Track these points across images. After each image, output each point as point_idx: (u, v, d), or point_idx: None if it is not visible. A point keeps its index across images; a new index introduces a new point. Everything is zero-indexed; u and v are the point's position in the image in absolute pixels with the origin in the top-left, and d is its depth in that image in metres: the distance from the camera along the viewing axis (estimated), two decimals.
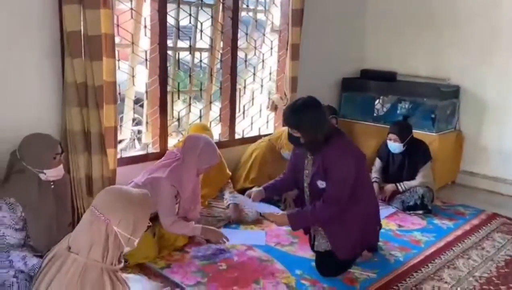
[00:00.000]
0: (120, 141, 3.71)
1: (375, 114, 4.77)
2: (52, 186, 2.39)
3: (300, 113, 2.42)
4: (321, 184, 2.48)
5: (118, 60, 3.07)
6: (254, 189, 2.82)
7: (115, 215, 1.43)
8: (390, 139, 3.72)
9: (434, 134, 4.22)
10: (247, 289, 2.45)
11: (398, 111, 4.64)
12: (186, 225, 2.76)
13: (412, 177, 3.76)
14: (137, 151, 3.48)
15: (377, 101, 4.81)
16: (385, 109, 4.80)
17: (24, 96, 2.65)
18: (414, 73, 4.74)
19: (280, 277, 2.59)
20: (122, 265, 1.54)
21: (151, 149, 3.44)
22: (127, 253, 2.56)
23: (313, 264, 2.70)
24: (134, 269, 2.62)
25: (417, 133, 4.09)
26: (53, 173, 2.33)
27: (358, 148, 2.64)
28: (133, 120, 3.83)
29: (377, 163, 3.98)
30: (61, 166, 2.38)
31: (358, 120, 4.78)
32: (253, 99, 4.22)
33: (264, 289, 2.46)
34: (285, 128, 3.98)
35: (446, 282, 2.61)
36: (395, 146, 3.70)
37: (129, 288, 1.59)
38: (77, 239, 1.45)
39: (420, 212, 3.65)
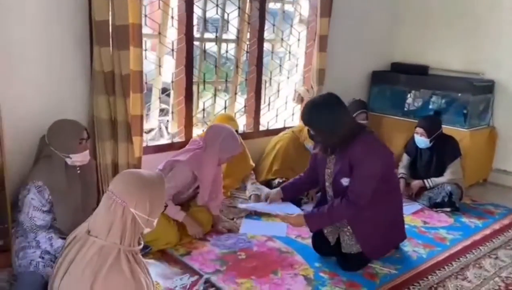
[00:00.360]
0: (150, 131, 3.79)
1: (405, 109, 4.67)
2: (78, 171, 2.47)
3: (315, 111, 2.33)
4: (345, 181, 2.40)
5: (145, 50, 3.12)
6: (273, 190, 2.80)
7: (131, 197, 1.47)
8: (417, 133, 3.63)
9: (465, 130, 4.09)
10: (265, 279, 2.46)
11: (429, 106, 4.53)
12: (172, 207, 2.78)
13: (440, 173, 3.67)
14: (163, 141, 3.53)
15: (407, 96, 4.70)
16: (415, 104, 4.68)
17: (55, 83, 2.73)
18: (446, 67, 4.60)
19: (299, 268, 2.59)
20: (141, 246, 1.57)
21: (176, 139, 3.49)
22: (147, 234, 2.67)
23: (334, 258, 2.67)
24: (156, 255, 2.68)
25: (448, 129, 3.99)
26: (79, 158, 2.40)
27: (385, 146, 2.55)
28: (162, 110, 3.90)
29: (405, 158, 3.89)
30: (87, 151, 2.45)
31: (387, 115, 4.68)
32: (278, 91, 4.20)
33: (282, 280, 2.46)
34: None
35: (470, 281, 2.54)
36: (421, 140, 3.61)
37: (147, 269, 1.63)
38: (96, 223, 1.49)
39: (448, 209, 3.55)
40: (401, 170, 3.85)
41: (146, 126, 3.50)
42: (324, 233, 2.63)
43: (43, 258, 2.21)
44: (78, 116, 2.73)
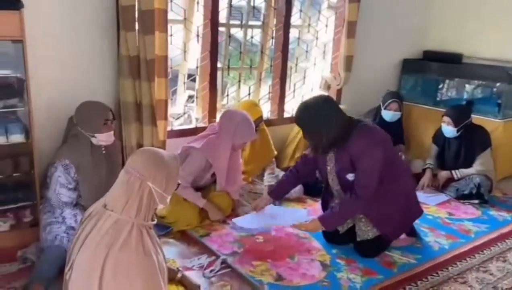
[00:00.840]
0: (178, 117, 3.86)
1: (437, 98, 4.53)
2: (104, 151, 2.56)
3: (303, 113, 2.37)
4: (351, 177, 2.42)
5: (171, 35, 3.17)
6: (260, 199, 2.89)
7: (149, 172, 1.52)
8: (444, 122, 3.54)
9: (499, 120, 3.94)
10: (281, 263, 2.48)
11: (461, 96, 4.38)
12: (193, 193, 2.86)
13: (469, 165, 3.57)
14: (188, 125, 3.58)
15: (439, 85, 4.56)
16: (447, 93, 4.55)
17: (83, 67, 2.82)
18: (481, 55, 4.43)
19: (316, 254, 2.60)
20: (154, 222, 1.62)
21: (200, 124, 3.54)
22: (160, 210, 2.74)
23: (351, 245, 2.66)
24: (176, 235, 2.75)
25: (480, 119, 3.87)
26: (103, 138, 2.48)
27: (381, 131, 2.50)
28: (190, 96, 3.95)
29: (433, 149, 3.81)
30: (111, 132, 2.53)
31: (417, 104, 4.57)
32: (304, 77, 4.17)
33: (298, 264, 2.48)
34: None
35: (491, 274, 2.47)
36: (448, 129, 3.52)
37: (160, 246, 1.67)
38: (113, 197, 1.55)
39: (475, 201, 3.45)
40: (429, 161, 3.77)
41: (172, 111, 3.56)
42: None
43: (67, 233, 2.31)
44: (105, 99, 2.82)
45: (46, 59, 2.65)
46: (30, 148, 2.47)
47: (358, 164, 2.35)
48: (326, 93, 4.15)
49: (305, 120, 2.37)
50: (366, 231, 2.54)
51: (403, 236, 2.77)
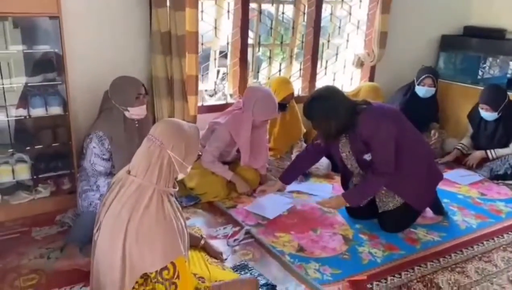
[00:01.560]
0: (213, 94, 3.93)
1: (478, 76, 4.37)
2: (137, 125, 2.66)
3: (311, 104, 2.45)
4: (368, 156, 2.48)
5: (202, 11, 3.22)
6: (269, 182, 2.97)
7: (169, 140, 1.59)
8: (482, 109, 3.45)
9: None
10: (303, 235, 2.53)
11: (504, 73, 4.20)
12: (221, 166, 2.94)
13: (504, 145, 3.46)
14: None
15: (480, 62, 4.38)
16: (490, 71, 4.36)
17: (118, 42, 2.93)
18: None
19: (339, 228, 2.63)
20: (176, 189, 1.69)
21: (230, 100, 3.60)
22: (189, 182, 2.84)
23: (375, 220, 2.68)
24: (204, 206, 2.86)
25: None
26: (136, 112, 2.58)
27: (386, 106, 2.58)
28: (220, 73, 4.00)
29: (469, 130, 3.72)
30: (144, 106, 2.62)
31: (456, 82, 4.42)
32: (337, 54, 4.12)
33: (320, 237, 2.52)
34: (364, 84, 3.89)
35: None
36: (488, 115, 3.47)
37: (181, 213, 1.74)
38: (136, 164, 1.63)
39: (510, 182, 3.36)
40: (462, 141, 3.69)
41: (204, 87, 3.63)
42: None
43: (101, 200, 2.44)
44: (138, 74, 2.92)
45: (82, 35, 2.76)
46: (67, 120, 2.63)
47: (372, 143, 2.41)
48: (359, 68, 4.12)
49: (312, 112, 2.45)
50: (387, 201, 2.57)
51: (430, 214, 2.74)
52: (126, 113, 2.57)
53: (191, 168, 1.68)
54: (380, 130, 2.37)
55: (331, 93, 2.48)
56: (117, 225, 1.55)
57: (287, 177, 2.84)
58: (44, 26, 2.57)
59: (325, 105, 2.41)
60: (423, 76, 3.78)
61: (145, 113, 2.65)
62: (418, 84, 3.78)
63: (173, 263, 1.52)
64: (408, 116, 3.74)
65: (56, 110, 2.59)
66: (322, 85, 2.62)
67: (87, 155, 2.55)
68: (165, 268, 1.51)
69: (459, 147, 3.68)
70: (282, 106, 3.31)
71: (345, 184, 2.80)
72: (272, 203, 2.87)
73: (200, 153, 1.78)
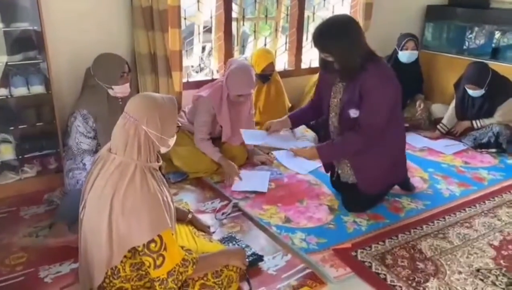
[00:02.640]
0: (200, 71, 3.90)
1: (463, 47, 4.37)
2: (120, 102, 2.64)
3: (332, 34, 2.13)
4: (354, 113, 2.29)
5: None
6: (276, 120, 2.62)
7: (142, 115, 1.57)
8: (469, 88, 3.49)
9: None
10: (290, 207, 2.57)
11: (489, 43, 4.21)
12: (210, 147, 2.92)
13: (490, 115, 3.51)
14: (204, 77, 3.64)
15: (465, 32, 4.39)
16: (474, 41, 4.37)
17: (99, 18, 2.88)
18: None
19: (325, 199, 2.67)
20: (159, 164, 1.69)
21: (216, 75, 3.58)
22: (176, 161, 2.84)
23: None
24: (192, 181, 2.88)
25: (504, 67, 3.75)
26: (120, 90, 2.56)
27: (395, 77, 2.33)
28: (204, 48, 3.96)
29: (450, 110, 3.75)
30: (128, 84, 2.60)
31: (441, 52, 4.44)
32: None
33: (306, 208, 2.56)
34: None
35: (500, 220, 2.49)
36: (475, 93, 3.49)
37: (165, 186, 1.75)
38: (115, 142, 1.63)
39: (493, 150, 3.42)
40: (443, 121, 3.76)
41: (188, 62, 3.61)
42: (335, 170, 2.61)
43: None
44: (121, 50, 2.90)
45: (62, 12, 2.71)
46: (50, 99, 2.60)
47: (367, 100, 2.22)
48: None
49: (334, 39, 2.13)
50: (347, 174, 2.51)
51: (396, 187, 2.75)
52: (110, 91, 2.56)
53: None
54: (382, 90, 2.19)
55: (356, 23, 2.20)
56: (102, 201, 1.56)
57: (295, 118, 2.64)
58: (22, 3, 2.52)
59: (351, 34, 2.13)
60: (405, 40, 3.80)
61: (129, 91, 2.63)
62: (401, 50, 3.79)
63: (160, 236, 1.54)
64: None
65: (38, 88, 2.57)
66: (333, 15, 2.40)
67: (72, 134, 2.54)
68: (152, 241, 1.53)
69: (439, 128, 3.76)
70: (264, 77, 3.30)
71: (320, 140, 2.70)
72: (254, 178, 2.86)
73: (179, 125, 1.75)
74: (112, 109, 2.58)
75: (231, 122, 2.96)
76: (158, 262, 1.55)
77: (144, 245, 1.53)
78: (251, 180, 2.84)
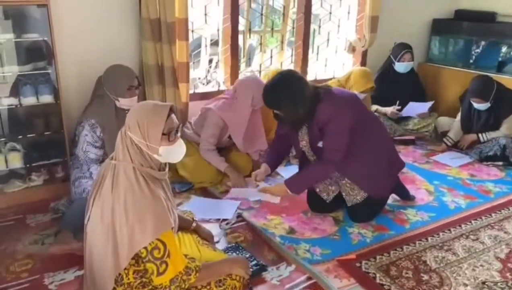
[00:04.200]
0: (208, 82, 3.95)
1: (470, 60, 4.38)
2: (127, 113, 2.67)
3: (276, 91, 2.29)
4: (321, 144, 2.39)
5: None
6: (259, 171, 2.64)
7: (128, 121, 1.60)
8: (474, 102, 3.49)
9: None
10: (294, 217, 2.57)
11: (494, 56, 4.22)
12: (216, 157, 2.94)
13: (496, 128, 3.50)
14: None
15: (471, 45, 4.40)
16: (480, 54, 4.38)
17: (108, 30, 2.93)
18: None
19: None
20: (161, 173, 1.68)
21: (222, 87, 3.61)
22: (181, 171, 2.85)
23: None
24: (197, 191, 2.89)
25: (510, 80, 3.74)
26: (126, 103, 2.56)
27: (347, 93, 2.44)
28: (211, 61, 4.00)
29: (456, 125, 3.73)
30: (135, 98, 2.59)
31: (447, 66, 4.45)
32: (328, 40, 4.13)
33: (310, 219, 2.56)
34: (354, 68, 3.89)
35: (506, 232, 2.47)
36: (481, 106, 3.49)
37: (170, 195, 1.75)
38: (116, 149, 1.66)
39: (499, 163, 3.40)
40: (449, 134, 3.75)
41: (195, 74, 3.65)
42: (317, 192, 2.58)
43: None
44: (129, 61, 2.94)
45: (71, 23, 2.77)
46: (59, 109, 2.64)
47: (326, 129, 2.32)
48: (350, 54, 4.13)
49: (278, 99, 2.29)
50: (354, 195, 2.49)
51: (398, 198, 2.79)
52: (117, 103, 2.58)
53: (184, 156, 1.62)
54: (336, 118, 2.28)
55: (295, 77, 2.33)
56: (105, 207, 1.58)
57: (272, 163, 2.68)
58: (33, 15, 2.58)
59: (292, 90, 2.26)
60: (403, 52, 3.86)
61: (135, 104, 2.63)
62: (397, 61, 3.83)
63: (163, 243, 1.54)
64: (395, 98, 3.84)
65: (47, 98, 2.61)
66: (280, 71, 2.47)
67: (80, 143, 2.56)
68: (156, 247, 1.54)
69: (445, 140, 3.75)
70: None
71: None
72: (222, 205, 2.75)
73: (174, 132, 1.73)
74: (119, 119, 2.60)
75: (246, 131, 3.00)
76: (161, 269, 1.55)
77: (147, 251, 1.54)
78: (218, 207, 2.72)
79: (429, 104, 3.92)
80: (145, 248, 1.54)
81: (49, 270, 2.04)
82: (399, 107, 3.85)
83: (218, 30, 3.53)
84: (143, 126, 1.58)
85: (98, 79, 2.64)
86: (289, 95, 2.26)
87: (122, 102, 2.56)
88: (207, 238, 2.15)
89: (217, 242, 2.26)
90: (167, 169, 1.73)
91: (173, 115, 1.64)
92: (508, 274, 2.09)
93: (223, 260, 1.85)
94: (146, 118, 1.58)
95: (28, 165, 2.66)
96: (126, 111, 2.60)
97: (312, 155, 2.49)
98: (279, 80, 2.32)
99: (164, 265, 1.56)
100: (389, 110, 3.84)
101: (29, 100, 2.56)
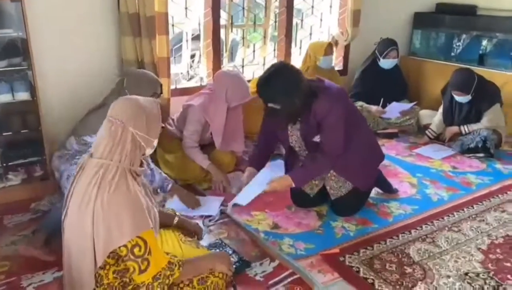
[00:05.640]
0: (190, 78, 3.89)
1: (451, 53, 4.42)
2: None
3: (271, 83, 2.21)
4: (317, 138, 2.36)
5: None
6: (245, 175, 2.54)
7: (129, 118, 1.57)
8: (456, 95, 3.52)
9: (510, 73, 3.85)
10: (278, 212, 2.56)
11: (475, 49, 4.26)
12: (199, 154, 2.88)
13: (478, 120, 3.53)
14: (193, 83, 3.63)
15: (452, 39, 4.43)
16: (462, 47, 4.42)
17: (85, 25, 2.86)
18: (497, 6, 4.27)
19: None
20: (143, 168, 1.67)
21: (205, 82, 3.57)
22: (163, 168, 2.82)
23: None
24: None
25: (492, 73, 3.80)
26: None
27: (338, 87, 2.39)
28: (192, 56, 3.95)
29: (437, 118, 3.76)
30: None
31: (429, 59, 4.48)
32: (311, 34, 4.12)
33: (295, 214, 2.55)
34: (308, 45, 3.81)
35: (488, 224, 2.49)
36: (463, 99, 3.51)
37: (151, 193, 1.73)
38: (98, 146, 1.61)
39: (481, 155, 3.43)
40: (431, 126, 3.78)
41: (178, 70, 3.60)
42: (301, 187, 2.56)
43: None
44: (108, 57, 2.90)
45: (47, 18, 2.70)
46: (36, 106, 2.57)
47: (324, 123, 2.29)
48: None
49: (273, 91, 2.22)
50: (338, 188, 2.49)
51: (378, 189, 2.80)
52: None
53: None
54: (333, 111, 2.27)
55: (289, 68, 2.27)
56: (83, 206, 1.54)
57: (257, 165, 2.57)
58: (7, 10, 2.49)
59: (288, 81, 2.20)
60: (389, 49, 3.85)
61: None
62: (383, 58, 3.83)
63: (144, 240, 1.52)
64: (378, 94, 3.85)
65: (23, 95, 2.54)
66: (273, 63, 2.39)
67: None
68: (136, 245, 1.51)
69: (427, 133, 3.78)
70: None
71: (289, 170, 2.61)
72: (206, 203, 2.69)
73: (163, 125, 1.74)
74: None
75: (224, 129, 2.94)
76: (142, 267, 1.52)
77: (128, 249, 1.51)
78: (201, 203, 2.66)
79: (411, 104, 3.92)
80: (125, 246, 1.50)
81: (27, 272, 1.99)
82: (385, 111, 3.85)
83: (199, 24, 3.48)
84: (149, 121, 1.59)
85: (119, 81, 2.60)
86: (284, 85, 2.20)
87: None
88: (194, 228, 2.08)
89: (201, 239, 2.23)
90: (145, 165, 1.71)
91: None
92: (489, 265, 2.11)
93: (205, 255, 1.83)
94: (150, 114, 1.60)
95: (4, 164, 2.59)
96: None
97: (304, 150, 2.47)
98: (272, 71, 2.24)
99: (145, 263, 1.53)
100: (373, 108, 3.83)
101: (4, 97, 2.49)
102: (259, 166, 2.55)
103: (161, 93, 2.65)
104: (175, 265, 1.60)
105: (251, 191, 2.41)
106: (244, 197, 2.40)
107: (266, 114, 2.41)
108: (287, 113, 2.27)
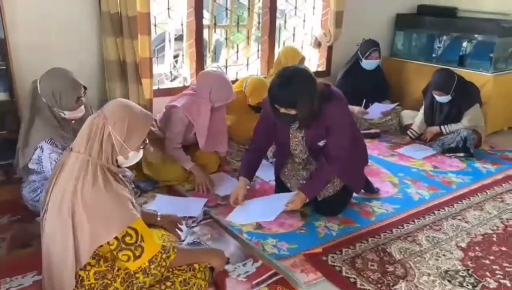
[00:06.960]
0: (174, 78, 3.87)
1: (432, 54, 4.48)
2: (73, 121, 2.36)
3: (293, 86, 2.12)
4: (322, 143, 2.37)
5: None
6: (238, 187, 2.47)
7: (113, 116, 1.56)
8: (436, 95, 3.57)
9: (489, 74, 3.92)
10: None
11: (455, 50, 4.33)
12: (182, 155, 2.87)
13: (458, 120, 3.59)
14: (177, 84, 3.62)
15: (433, 40, 4.50)
16: (441, 48, 4.48)
17: (66, 24, 2.83)
18: (477, 8, 4.36)
19: None
20: (120, 169, 1.65)
21: (188, 82, 3.56)
22: (145, 170, 2.79)
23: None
24: (162, 189, 2.83)
25: (472, 73, 3.86)
26: (73, 115, 2.31)
27: (339, 92, 2.37)
28: (175, 56, 3.94)
29: (419, 118, 3.81)
30: (82, 106, 2.34)
31: (410, 60, 4.54)
32: (294, 35, 4.13)
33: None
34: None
35: (467, 222, 2.53)
36: (443, 99, 3.56)
37: (130, 190, 1.71)
38: (78, 138, 1.60)
39: (461, 155, 3.49)
40: (412, 127, 3.82)
41: (161, 70, 3.58)
42: (286, 187, 2.61)
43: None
44: (89, 57, 2.88)
45: (26, 17, 2.66)
46: (15, 106, 2.53)
47: (333, 127, 2.29)
48: (316, 49, 4.16)
49: (295, 93, 2.12)
50: (326, 188, 2.49)
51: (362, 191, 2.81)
52: (62, 115, 2.30)
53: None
54: (344, 116, 2.32)
55: (306, 72, 2.24)
56: (64, 201, 1.52)
57: (248, 173, 2.54)
58: None
59: (309, 85, 2.16)
60: (371, 50, 3.89)
61: (82, 113, 2.35)
62: (365, 58, 3.87)
63: (134, 229, 1.53)
64: (360, 94, 3.88)
65: (1, 96, 2.52)
66: (286, 67, 2.32)
67: (45, 163, 2.29)
68: (127, 234, 1.52)
69: (409, 133, 3.82)
70: (258, 109, 3.15)
71: (279, 177, 2.69)
72: (189, 203, 2.64)
73: (147, 142, 1.70)
74: (65, 129, 2.33)
75: (208, 130, 2.93)
76: (137, 253, 1.54)
77: (118, 240, 1.51)
78: (184, 204, 2.63)
79: (393, 105, 3.97)
80: (116, 238, 1.51)
81: (5, 276, 1.94)
82: (367, 111, 3.89)
83: (182, 24, 3.46)
84: (130, 129, 1.57)
85: (33, 90, 2.26)
86: (305, 89, 2.14)
87: (70, 115, 2.30)
88: (177, 220, 2.08)
89: (183, 240, 2.22)
90: (123, 166, 1.71)
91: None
92: (469, 262, 2.15)
93: (203, 249, 1.91)
94: (135, 123, 1.59)
95: None
96: (73, 121, 2.36)
97: (305, 152, 2.49)
98: (290, 76, 2.16)
99: (139, 249, 1.54)
100: (356, 109, 3.86)
101: None
102: (251, 173, 2.55)
103: (86, 89, 2.32)
104: (170, 248, 1.62)
105: (255, 213, 2.38)
106: (245, 216, 2.38)
107: (277, 119, 2.28)
108: (305, 117, 2.22)
